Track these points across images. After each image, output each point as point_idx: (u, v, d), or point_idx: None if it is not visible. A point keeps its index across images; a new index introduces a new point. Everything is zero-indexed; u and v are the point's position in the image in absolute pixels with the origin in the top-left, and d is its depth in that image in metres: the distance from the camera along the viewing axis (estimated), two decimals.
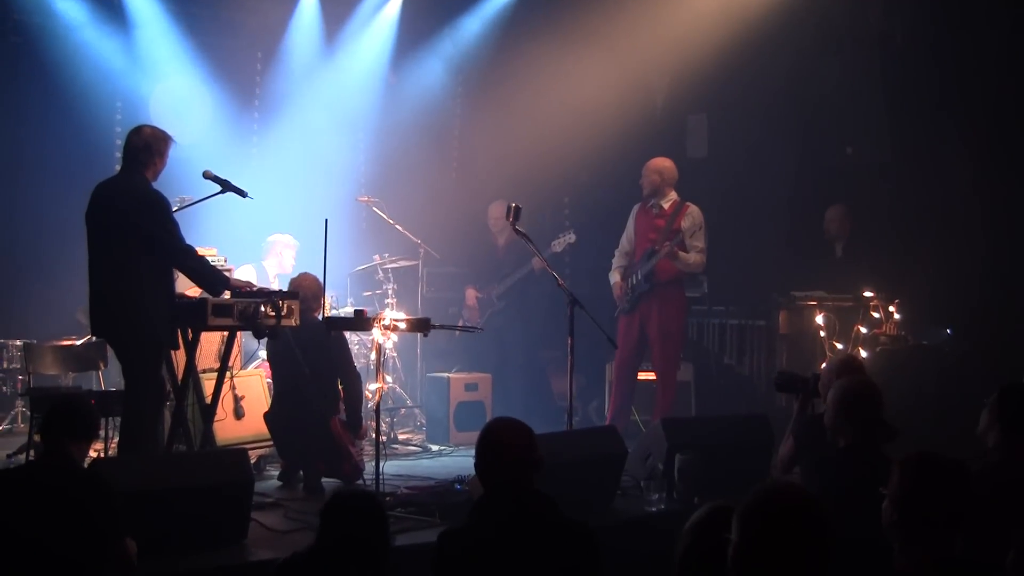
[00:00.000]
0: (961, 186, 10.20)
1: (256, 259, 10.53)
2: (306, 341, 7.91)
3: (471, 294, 11.20)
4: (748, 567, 2.88)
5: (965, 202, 10.17)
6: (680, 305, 9.90)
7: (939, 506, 3.50)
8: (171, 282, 7.19)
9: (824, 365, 6.60)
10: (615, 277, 9.85)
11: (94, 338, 9.22)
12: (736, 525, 2.91)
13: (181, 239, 7.12)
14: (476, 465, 4.20)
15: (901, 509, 3.53)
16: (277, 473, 8.16)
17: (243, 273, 9.81)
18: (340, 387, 8.09)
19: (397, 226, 10.86)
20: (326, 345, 7.97)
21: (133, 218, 6.92)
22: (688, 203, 9.75)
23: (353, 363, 8.34)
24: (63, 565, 4.51)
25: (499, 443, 4.16)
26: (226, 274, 7.68)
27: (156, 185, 7.23)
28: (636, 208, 9.93)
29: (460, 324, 10.96)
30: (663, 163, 9.73)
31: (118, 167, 11.07)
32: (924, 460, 3.61)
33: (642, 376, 10.17)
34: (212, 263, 8.55)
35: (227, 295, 7.44)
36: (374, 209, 10.85)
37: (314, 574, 4.03)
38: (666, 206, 9.73)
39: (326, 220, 7.91)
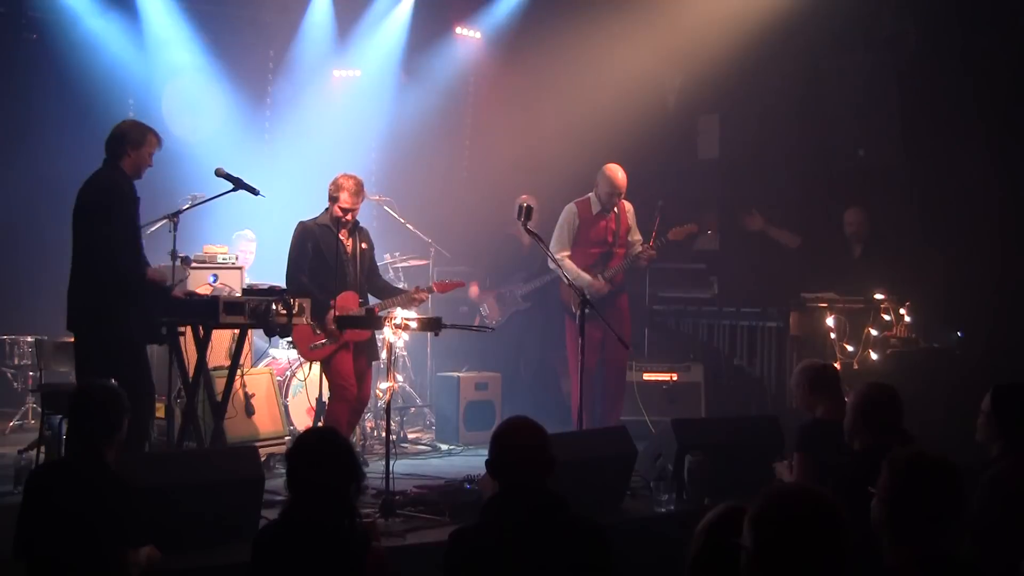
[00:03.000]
0: (973, 188, 10.17)
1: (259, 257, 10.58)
2: None
3: (474, 290, 11.16)
4: (764, 574, 2.86)
5: (977, 204, 10.15)
6: (628, 309, 9.93)
7: (928, 504, 3.51)
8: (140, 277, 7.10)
9: (795, 370, 6.60)
10: (585, 276, 9.49)
11: None
12: (749, 532, 2.88)
13: (106, 234, 6.92)
14: (489, 463, 4.20)
15: (890, 507, 3.54)
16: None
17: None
18: None
19: (408, 225, 10.85)
20: None
21: (88, 211, 6.93)
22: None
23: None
24: (83, 566, 4.54)
25: (514, 442, 4.17)
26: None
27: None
28: (576, 211, 9.73)
29: (477, 319, 10.97)
30: (623, 175, 9.60)
31: None
32: (913, 458, 3.62)
33: (649, 377, 10.16)
34: (222, 261, 8.61)
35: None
36: (385, 208, 10.84)
37: (289, 524, 4.10)
38: (615, 209, 9.72)
39: (338, 219, 7.92)
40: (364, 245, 8.44)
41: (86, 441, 4.84)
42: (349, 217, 8.25)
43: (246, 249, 10.58)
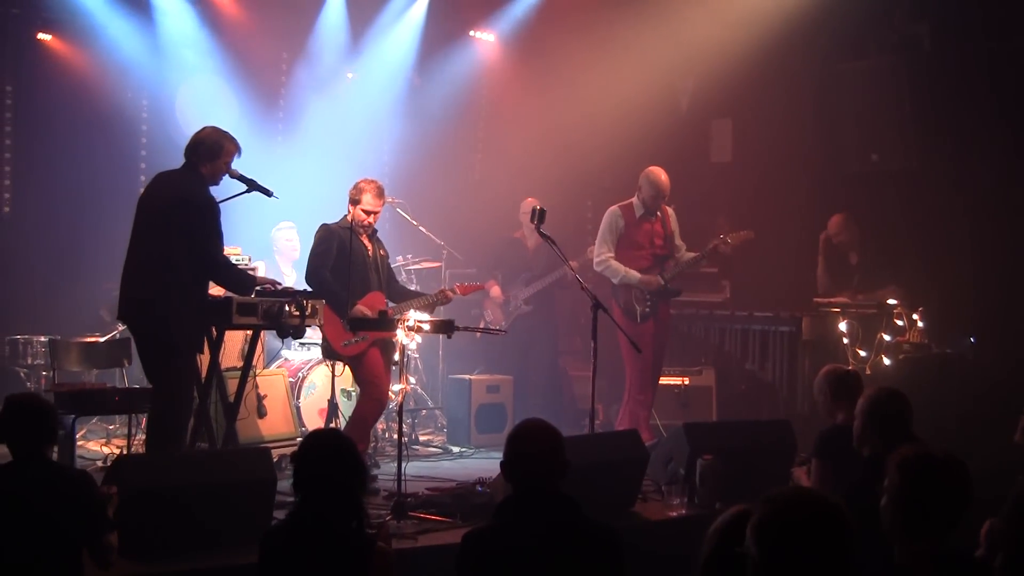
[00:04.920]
0: (987, 193, 10.16)
1: (269, 255, 10.59)
2: None
3: (497, 290, 11.14)
4: None
5: (991, 209, 10.13)
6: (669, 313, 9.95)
7: (937, 503, 3.54)
8: (206, 287, 7.19)
9: (818, 375, 6.59)
10: (634, 272, 9.49)
11: (118, 334, 9.30)
12: (752, 539, 2.88)
13: (221, 250, 7.15)
14: (504, 464, 4.20)
15: (899, 506, 3.55)
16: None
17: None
18: None
19: (420, 227, 10.87)
20: None
21: (183, 217, 6.92)
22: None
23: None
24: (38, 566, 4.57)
25: (529, 444, 4.17)
26: (251, 274, 7.69)
27: None
28: (619, 213, 9.64)
29: (482, 323, 10.97)
30: (667, 177, 9.57)
31: (143, 165, 11.32)
32: (921, 459, 3.63)
33: (661, 381, 10.16)
34: (236, 262, 8.62)
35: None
36: (397, 210, 10.85)
37: (295, 524, 4.11)
38: (659, 212, 9.71)
39: (351, 222, 7.93)
40: (382, 252, 8.52)
41: (25, 447, 4.83)
42: (372, 219, 8.32)
43: (290, 238, 10.65)
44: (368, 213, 8.26)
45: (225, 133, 7.25)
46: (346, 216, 8.34)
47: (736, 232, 9.66)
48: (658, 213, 9.65)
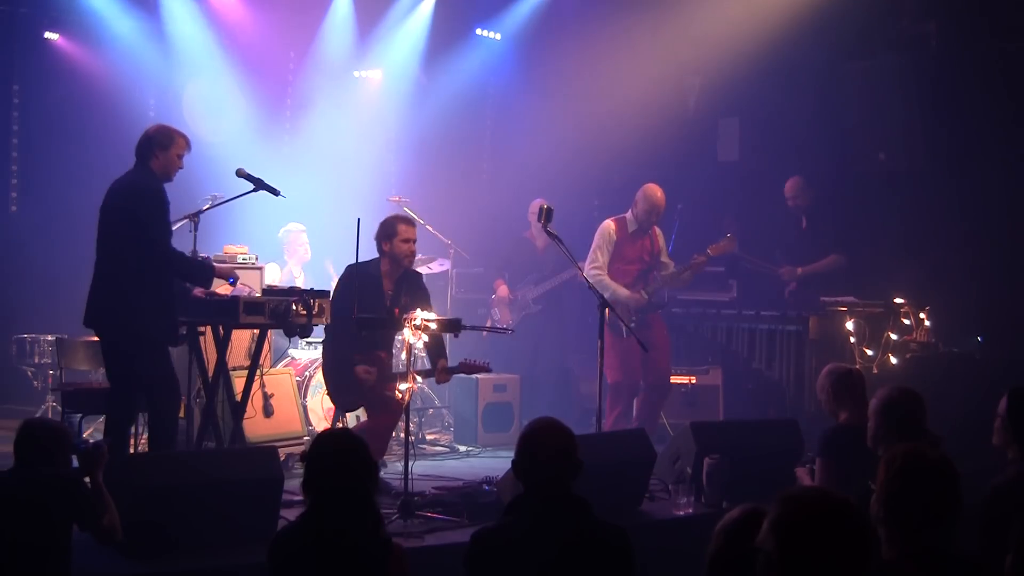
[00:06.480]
0: (994, 192, 10.15)
1: (279, 256, 10.59)
2: None
3: (504, 289, 11.12)
4: None
5: (998, 208, 10.12)
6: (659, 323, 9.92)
7: (924, 502, 3.53)
8: (169, 279, 7.10)
9: (821, 374, 6.56)
10: (623, 289, 9.47)
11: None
12: (771, 537, 2.86)
13: (169, 240, 7.04)
14: (515, 463, 4.19)
15: (887, 504, 3.55)
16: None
17: (269, 271, 9.84)
18: None
19: (428, 226, 10.86)
20: None
21: (128, 213, 6.89)
22: None
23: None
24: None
25: (542, 443, 4.15)
26: (208, 262, 7.58)
27: (182, 182, 7.22)
28: (613, 227, 9.66)
29: (489, 323, 10.95)
30: (663, 194, 9.59)
31: None
32: (909, 457, 3.63)
33: (675, 380, 10.14)
34: (242, 261, 8.63)
35: (250, 291, 7.49)
36: (405, 209, 10.84)
37: (309, 529, 4.09)
38: (649, 229, 9.71)
39: (358, 219, 7.92)
40: (405, 299, 7.96)
41: (27, 466, 4.90)
42: (412, 247, 8.06)
43: (301, 242, 10.64)
44: (407, 242, 8.00)
45: (175, 128, 7.22)
46: (378, 258, 8.05)
47: (717, 244, 9.63)
48: (649, 231, 9.68)
